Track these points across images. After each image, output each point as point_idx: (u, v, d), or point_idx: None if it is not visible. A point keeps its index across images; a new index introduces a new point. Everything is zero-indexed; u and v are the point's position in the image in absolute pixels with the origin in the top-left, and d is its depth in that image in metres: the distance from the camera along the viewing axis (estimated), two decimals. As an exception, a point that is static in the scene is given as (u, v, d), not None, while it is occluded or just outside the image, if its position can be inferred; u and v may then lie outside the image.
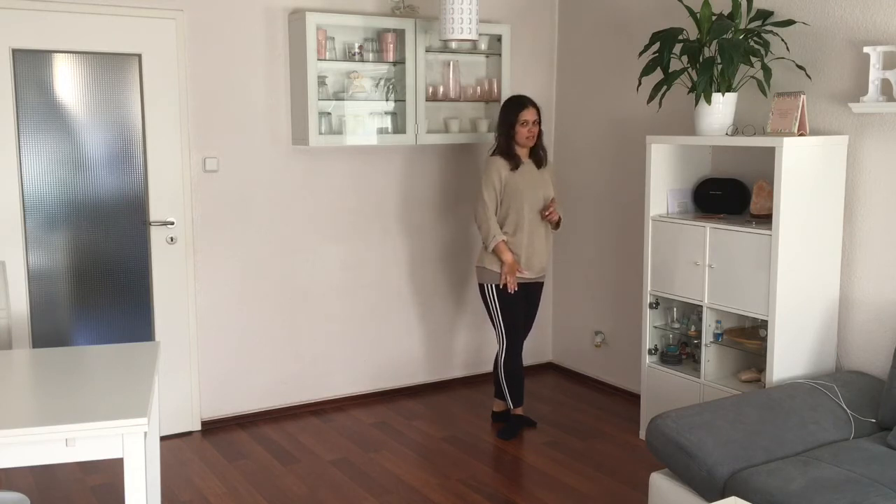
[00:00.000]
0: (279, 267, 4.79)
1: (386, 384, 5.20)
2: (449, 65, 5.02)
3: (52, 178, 4.20)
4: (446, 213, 5.25)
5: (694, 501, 3.03)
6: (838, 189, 3.74)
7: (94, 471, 4.08)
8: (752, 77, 3.99)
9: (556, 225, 4.52)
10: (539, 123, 4.39)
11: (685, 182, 4.33)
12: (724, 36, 3.84)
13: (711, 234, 3.90)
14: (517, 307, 4.44)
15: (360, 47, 4.71)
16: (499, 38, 5.07)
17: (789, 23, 3.90)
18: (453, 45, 4.93)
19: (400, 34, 4.75)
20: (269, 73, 4.63)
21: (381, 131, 4.87)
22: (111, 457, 2.45)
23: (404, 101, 4.78)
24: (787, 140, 3.53)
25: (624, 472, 4.05)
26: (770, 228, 3.63)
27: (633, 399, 4.93)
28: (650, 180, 4.20)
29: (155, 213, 4.42)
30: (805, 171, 3.61)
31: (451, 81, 5.01)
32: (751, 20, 4.01)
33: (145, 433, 2.46)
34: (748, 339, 3.99)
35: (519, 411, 4.61)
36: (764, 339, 3.75)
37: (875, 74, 3.51)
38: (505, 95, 4.96)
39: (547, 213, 4.38)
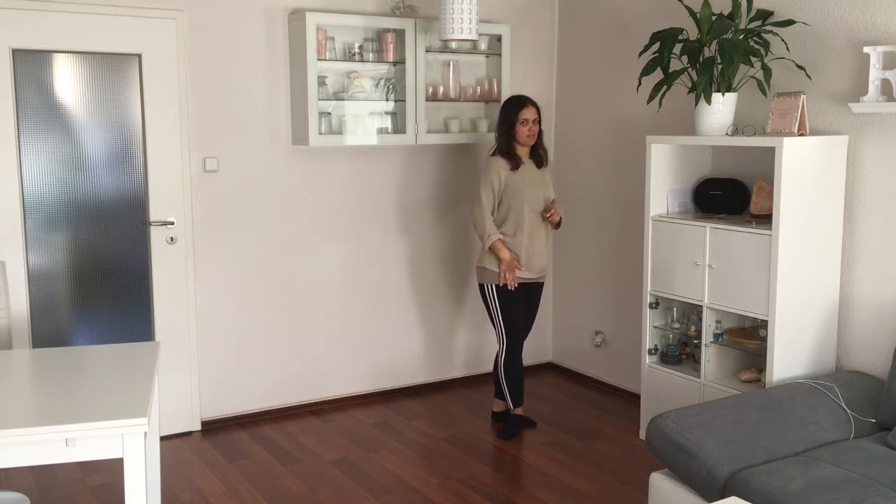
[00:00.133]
0: (279, 267, 4.79)
1: (386, 384, 5.20)
2: (449, 65, 5.02)
3: (52, 178, 4.20)
4: (446, 213, 5.25)
5: (694, 501, 3.03)
6: (838, 189, 3.74)
7: (94, 471, 4.08)
8: (752, 77, 3.99)
9: (557, 225, 4.53)
10: (539, 122, 4.39)
11: (685, 182, 4.33)
12: (724, 36, 3.84)
13: (711, 234, 3.90)
14: (517, 307, 4.44)
15: (360, 47, 4.71)
16: (499, 38, 5.07)
17: (789, 23, 3.90)
18: (453, 45, 4.93)
19: (400, 34, 4.75)
20: (269, 73, 4.63)
21: (381, 131, 4.87)
22: (111, 457, 2.45)
23: (404, 101, 4.78)
24: (787, 140, 3.53)
25: (624, 472, 4.05)
26: (770, 228, 3.63)
27: (633, 399, 4.93)
28: (650, 180, 4.20)
29: (155, 213, 4.42)
30: (805, 171, 3.61)
31: (451, 81, 5.01)
32: (751, 20, 4.01)
33: (145, 433, 2.46)
34: (748, 339, 3.99)
35: (519, 411, 4.61)
36: (764, 339, 3.75)
37: (875, 74, 3.51)
38: (505, 95, 4.96)
39: (548, 216, 4.38)
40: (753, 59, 3.91)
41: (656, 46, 4.06)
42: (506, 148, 4.38)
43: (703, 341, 4.03)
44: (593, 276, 5.35)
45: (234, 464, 4.18)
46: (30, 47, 4.07)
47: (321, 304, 4.93)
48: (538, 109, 4.40)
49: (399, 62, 4.79)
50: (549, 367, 5.74)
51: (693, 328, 4.24)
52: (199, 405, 4.64)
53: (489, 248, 4.34)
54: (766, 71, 3.82)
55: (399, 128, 4.85)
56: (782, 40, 3.94)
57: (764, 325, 3.74)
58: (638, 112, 4.89)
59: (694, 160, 4.35)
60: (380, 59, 4.79)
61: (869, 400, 3.40)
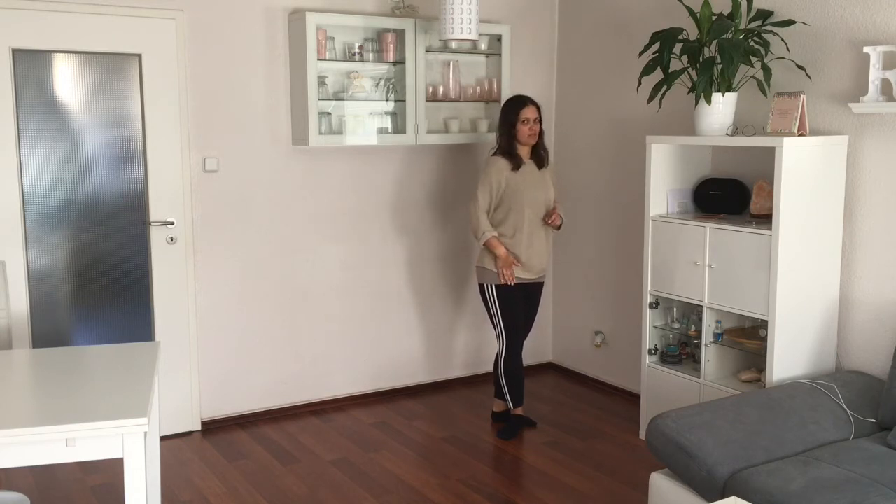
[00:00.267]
0: (279, 267, 4.79)
1: (386, 384, 5.20)
2: (449, 65, 5.02)
3: (52, 178, 4.20)
4: (446, 213, 5.24)
5: (694, 501, 3.03)
6: (838, 189, 3.74)
7: (94, 471, 4.08)
8: (752, 77, 3.99)
9: (559, 227, 4.53)
10: (540, 122, 4.39)
11: (685, 182, 4.33)
12: (724, 36, 3.84)
13: (711, 234, 3.90)
14: (517, 307, 4.44)
15: (360, 47, 4.71)
16: (499, 38, 5.07)
17: (789, 23, 3.90)
18: (453, 45, 4.93)
19: (400, 34, 4.75)
20: (269, 73, 4.63)
21: (381, 131, 4.87)
22: (111, 457, 2.45)
23: (404, 101, 4.78)
24: (787, 140, 3.53)
25: (624, 472, 4.05)
26: (770, 228, 3.63)
27: (633, 399, 4.93)
28: (650, 180, 4.20)
29: (155, 213, 4.42)
30: (805, 171, 3.61)
31: (451, 81, 5.01)
32: (751, 20, 4.01)
33: (145, 433, 2.46)
34: (748, 339, 3.99)
35: (519, 411, 4.61)
36: (764, 339, 3.75)
37: (875, 74, 3.51)
38: (505, 95, 4.96)
39: (549, 221, 4.40)
40: (753, 59, 3.91)
41: (656, 46, 4.06)
42: (507, 148, 4.37)
43: (703, 341, 4.03)
44: (593, 276, 5.35)
45: (234, 464, 4.18)
46: (30, 47, 4.07)
47: (321, 304, 4.93)
48: (539, 109, 4.39)
49: (399, 62, 4.79)
50: (549, 367, 5.74)
51: (693, 328, 4.24)
52: (199, 405, 4.64)
53: (484, 244, 4.34)
54: (766, 71, 3.82)
55: (399, 128, 4.85)
56: (782, 40, 3.94)
57: (764, 325, 3.74)
58: (638, 112, 4.89)
59: (694, 160, 4.35)
60: (380, 59, 4.79)
61: (869, 400, 3.40)
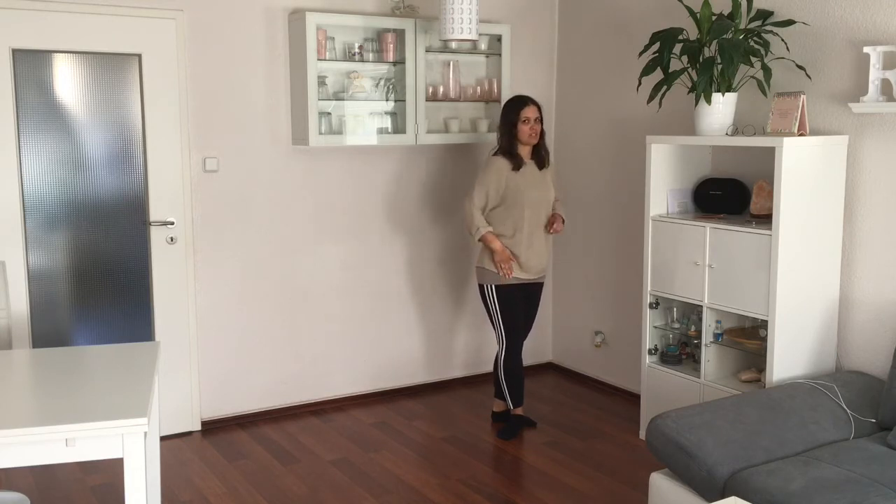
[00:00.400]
0: (279, 267, 4.79)
1: (386, 384, 5.20)
2: (449, 65, 5.02)
3: (52, 178, 4.20)
4: (446, 214, 5.24)
5: (694, 501, 3.03)
6: (838, 189, 3.74)
7: (94, 471, 4.08)
8: (752, 77, 3.99)
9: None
10: (541, 122, 4.39)
11: (685, 182, 4.33)
12: (724, 36, 3.84)
13: (711, 234, 3.90)
14: (517, 308, 4.44)
15: (360, 47, 4.71)
16: (499, 38, 5.07)
17: (789, 23, 3.90)
18: (453, 45, 4.93)
19: (400, 34, 4.75)
20: (269, 73, 4.63)
21: (381, 131, 4.87)
22: (111, 457, 2.45)
23: (404, 101, 4.78)
24: (787, 140, 3.53)
25: (624, 472, 4.05)
26: (770, 228, 3.63)
27: (633, 399, 4.93)
28: (650, 180, 4.20)
29: (155, 213, 4.42)
30: (805, 171, 3.61)
31: (451, 81, 5.01)
32: (751, 20, 4.01)
33: (145, 433, 2.46)
34: (748, 339, 3.99)
35: (519, 411, 4.61)
36: (764, 339, 3.75)
37: (875, 74, 3.51)
38: (505, 95, 4.96)
39: (551, 230, 4.44)
40: (753, 59, 3.91)
41: (656, 46, 4.06)
42: (508, 148, 4.37)
43: (703, 341, 4.03)
44: (593, 276, 5.35)
45: (234, 464, 4.18)
46: (30, 47, 4.07)
47: (321, 304, 4.93)
48: (540, 109, 4.39)
49: (399, 62, 4.79)
50: (549, 367, 5.74)
51: (693, 328, 4.24)
52: (199, 405, 4.64)
53: (479, 240, 4.34)
54: (766, 71, 3.82)
55: (399, 128, 4.85)
56: (782, 40, 3.94)
57: (764, 325, 3.74)
58: (638, 112, 4.89)
59: (694, 160, 4.35)
60: (380, 59, 4.79)
61: (869, 400, 3.40)
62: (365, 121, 4.78)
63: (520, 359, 4.53)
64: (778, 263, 3.60)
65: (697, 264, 3.98)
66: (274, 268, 4.77)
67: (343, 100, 4.73)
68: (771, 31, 3.95)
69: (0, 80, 4.01)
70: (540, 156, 4.43)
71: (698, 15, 3.93)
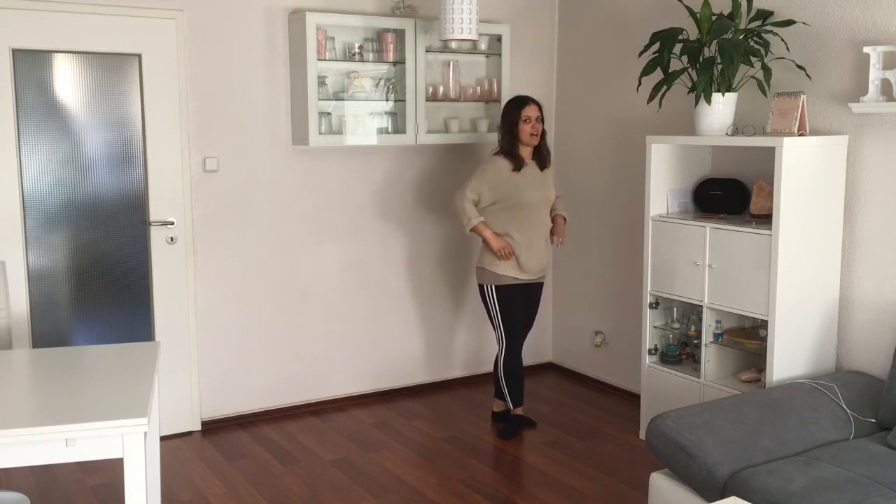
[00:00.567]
0: (279, 267, 4.79)
1: (386, 384, 5.20)
2: (449, 65, 5.02)
3: (52, 178, 4.20)
4: (446, 214, 5.24)
5: (694, 501, 3.03)
6: (838, 189, 3.74)
7: (94, 471, 4.08)
8: (752, 77, 3.99)
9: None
10: (542, 122, 4.39)
11: (685, 182, 4.33)
12: (724, 36, 3.84)
13: (711, 234, 3.90)
14: (517, 308, 4.44)
15: (360, 47, 4.71)
16: (499, 38, 5.07)
17: (789, 23, 3.90)
18: (453, 45, 4.93)
19: (400, 34, 4.75)
20: (269, 73, 4.63)
21: (381, 131, 4.87)
22: (111, 457, 2.45)
23: (404, 101, 4.78)
24: (787, 140, 3.53)
25: (624, 472, 4.05)
26: (770, 228, 3.63)
27: (633, 399, 4.93)
28: (650, 180, 4.20)
29: (155, 213, 4.42)
30: (805, 171, 3.61)
31: (451, 81, 5.01)
32: (751, 20, 4.01)
33: (145, 433, 2.46)
34: (748, 339, 3.99)
35: (519, 411, 4.61)
36: (764, 339, 3.75)
37: (875, 74, 3.51)
38: (505, 95, 4.96)
39: (555, 243, 4.52)
40: (753, 59, 3.91)
41: (656, 46, 4.06)
42: (509, 148, 4.36)
43: (703, 341, 4.03)
44: (593, 276, 5.35)
45: (234, 464, 4.18)
46: (30, 47, 4.07)
47: (321, 304, 4.93)
48: (541, 108, 4.39)
49: (399, 62, 4.79)
50: (549, 367, 5.74)
51: (693, 328, 4.24)
52: (199, 405, 4.64)
53: (470, 230, 4.34)
54: (766, 71, 3.82)
55: (399, 128, 4.85)
56: (782, 40, 3.94)
57: (764, 325, 3.74)
58: (638, 112, 4.89)
59: (694, 160, 4.35)
60: (380, 59, 4.79)
61: (869, 400, 3.40)
62: (365, 121, 4.78)
63: (520, 359, 4.52)
64: (778, 263, 3.60)
65: (697, 264, 3.98)
66: (274, 268, 4.77)
67: (343, 100, 4.73)
68: (771, 31, 3.95)
69: (0, 80, 4.01)
70: (541, 156, 4.43)
71: (698, 15, 3.93)
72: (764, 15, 4.00)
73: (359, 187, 4.95)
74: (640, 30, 4.79)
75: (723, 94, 3.91)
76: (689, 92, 4.04)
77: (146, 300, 4.46)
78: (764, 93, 3.89)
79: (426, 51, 4.84)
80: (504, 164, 4.34)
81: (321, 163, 4.83)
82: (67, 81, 4.18)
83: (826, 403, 3.31)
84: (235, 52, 4.53)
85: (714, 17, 3.96)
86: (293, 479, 4.01)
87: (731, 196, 4.15)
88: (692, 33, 4.12)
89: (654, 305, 4.31)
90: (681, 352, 4.35)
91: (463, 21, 4.40)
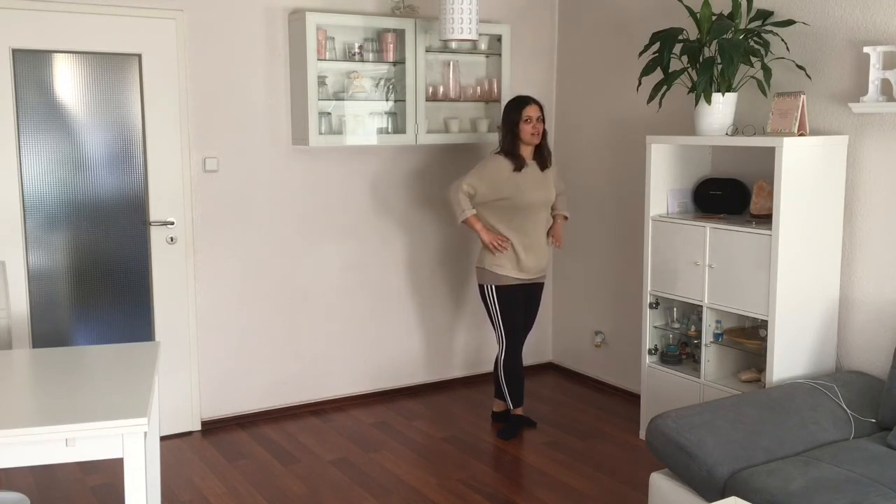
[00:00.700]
0: (279, 267, 4.79)
1: (386, 384, 5.20)
2: (449, 65, 5.02)
3: (52, 178, 4.20)
4: (446, 213, 5.24)
5: (694, 501, 3.03)
6: (838, 189, 3.74)
7: (94, 471, 4.08)
8: (752, 77, 3.99)
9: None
10: (543, 121, 4.38)
11: (685, 182, 4.33)
12: (724, 36, 3.84)
13: (711, 234, 3.90)
14: (517, 308, 4.44)
15: (360, 47, 4.71)
16: (499, 38, 5.07)
17: (789, 23, 3.90)
18: (453, 45, 4.93)
19: (400, 34, 4.75)
20: (269, 73, 4.63)
21: (381, 131, 4.87)
22: (111, 457, 2.45)
23: (404, 101, 4.78)
24: (787, 140, 3.53)
25: (624, 472, 4.05)
26: (770, 228, 3.63)
27: (633, 399, 4.93)
28: (650, 180, 4.20)
29: (155, 213, 4.42)
30: (805, 171, 3.61)
31: (451, 81, 5.01)
32: (751, 20, 4.01)
33: (145, 433, 2.46)
34: (748, 339, 3.99)
35: (519, 411, 4.61)
36: (764, 339, 3.75)
37: (875, 74, 3.51)
38: (505, 95, 4.96)
39: (553, 243, 4.53)
40: (753, 59, 3.91)
41: (656, 46, 4.06)
42: (510, 148, 4.36)
43: (703, 341, 4.03)
44: (593, 276, 5.35)
45: (234, 464, 4.18)
46: (30, 47, 4.07)
47: (321, 304, 4.93)
48: (542, 108, 4.39)
49: (399, 62, 4.79)
50: (549, 367, 5.74)
51: (693, 328, 4.24)
52: (199, 405, 4.64)
53: (462, 222, 4.34)
54: (766, 71, 3.82)
55: (399, 128, 4.85)
56: (782, 40, 3.94)
57: (764, 325, 3.74)
58: (638, 112, 4.89)
59: (694, 160, 4.35)
60: (380, 59, 4.79)
61: (869, 400, 3.40)
62: (365, 121, 4.78)
63: (520, 359, 4.52)
64: (778, 263, 3.60)
65: (697, 264, 3.98)
66: (274, 268, 4.77)
67: (343, 100, 4.73)
68: (771, 31, 3.95)
69: (0, 80, 4.01)
70: (542, 156, 4.43)
71: (698, 15, 3.93)
72: (764, 15, 4.00)
73: (359, 187, 4.95)
74: (640, 30, 4.79)
75: (723, 94, 3.91)
76: (689, 92, 4.04)
77: (146, 300, 4.46)
78: (764, 93, 3.89)
79: (426, 51, 4.84)
80: (505, 164, 4.33)
81: (321, 163, 4.83)
82: (67, 81, 4.18)
83: (826, 403, 3.31)
84: (235, 52, 4.53)
85: (714, 17, 3.96)
86: (293, 479, 4.01)
87: (731, 196, 4.15)
88: (692, 33, 4.12)
89: (654, 305, 4.31)
90: (681, 352, 4.35)
91: (463, 21, 4.40)
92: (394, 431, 4.61)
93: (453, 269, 5.34)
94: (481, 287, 4.47)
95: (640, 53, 4.23)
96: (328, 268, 4.93)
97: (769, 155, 3.75)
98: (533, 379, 5.42)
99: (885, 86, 3.55)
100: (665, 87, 4.01)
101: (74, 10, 4.12)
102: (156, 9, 4.30)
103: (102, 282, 4.37)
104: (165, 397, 4.50)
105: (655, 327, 4.34)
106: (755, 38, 3.94)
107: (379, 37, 4.77)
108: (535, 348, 5.61)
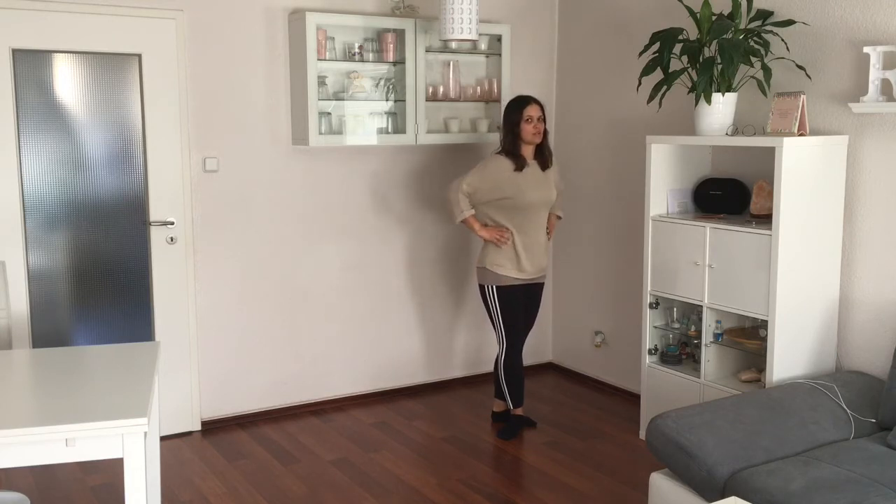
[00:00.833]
0: (279, 267, 4.79)
1: (386, 384, 5.20)
2: (449, 65, 5.02)
3: (52, 178, 4.20)
4: (446, 213, 5.24)
5: (694, 501, 3.03)
6: (838, 189, 3.74)
7: (94, 471, 4.08)
8: (752, 77, 3.99)
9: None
10: (544, 121, 4.38)
11: (685, 182, 4.33)
12: (724, 36, 3.84)
13: (711, 234, 3.90)
14: (517, 308, 4.44)
15: (360, 47, 4.71)
16: (499, 38, 5.07)
17: (789, 23, 3.90)
18: (453, 45, 4.93)
19: (400, 34, 4.75)
20: (269, 73, 4.63)
21: (381, 131, 4.87)
22: (111, 457, 2.45)
23: (404, 101, 4.78)
24: (787, 140, 3.53)
25: (624, 472, 4.05)
26: (770, 228, 3.63)
27: (633, 399, 4.93)
28: (650, 180, 4.20)
29: (155, 213, 4.42)
30: (805, 171, 3.61)
31: (451, 81, 5.01)
32: (751, 20, 4.01)
33: (145, 433, 2.46)
34: (748, 339, 3.99)
35: (519, 411, 4.61)
36: (764, 339, 3.75)
37: (875, 74, 3.51)
38: (505, 95, 4.97)
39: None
40: (753, 59, 3.91)
41: (656, 46, 4.06)
42: (511, 148, 4.35)
43: (703, 341, 4.03)
44: (593, 276, 5.35)
45: (234, 464, 4.18)
46: (30, 47, 4.07)
47: (321, 304, 4.93)
48: (543, 108, 4.39)
49: (399, 62, 4.79)
50: (549, 367, 5.74)
51: (693, 328, 4.24)
52: (199, 405, 4.64)
53: (460, 222, 4.36)
54: (766, 71, 3.82)
55: (399, 128, 4.85)
56: (782, 40, 3.94)
57: (764, 325, 3.74)
58: (638, 112, 4.89)
59: (694, 160, 4.35)
60: (380, 59, 4.79)
61: (869, 400, 3.40)
62: (365, 121, 4.78)
63: (520, 359, 4.52)
64: (778, 263, 3.60)
65: (697, 264, 3.98)
66: (274, 268, 4.77)
67: (343, 100, 4.73)
68: (771, 31, 3.95)
69: (0, 80, 4.01)
70: (543, 156, 4.43)
71: (698, 15, 3.93)
72: (764, 15, 4.00)
73: (359, 187, 4.95)
74: (640, 30, 4.79)
75: (723, 94, 3.91)
76: (689, 92, 4.04)
77: (146, 300, 4.46)
78: (764, 93, 3.89)
79: (426, 51, 4.84)
80: (505, 164, 4.33)
81: (321, 163, 4.83)
82: (67, 81, 4.18)
83: (826, 403, 3.31)
84: (235, 52, 4.53)
85: (714, 17, 3.96)
86: (293, 479, 4.01)
87: (731, 196, 4.15)
88: (692, 33, 4.12)
89: (654, 305, 4.31)
90: (681, 352, 4.35)
91: (463, 21, 4.40)
92: (394, 431, 4.61)
93: (453, 269, 5.34)
94: (482, 287, 4.47)
95: (640, 53, 4.23)
96: (328, 268, 4.93)
97: (769, 155, 3.75)
98: (533, 379, 5.42)
99: (885, 86, 3.55)
100: (665, 87, 4.01)
101: (74, 10, 4.12)
102: (156, 9, 4.30)
103: (102, 282, 4.37)
104: (165, 397, 4.50)
105: (655, 327, 4.34)
106: (755, 38, 3.94)
107: (379, 37, 4.77)
108: (536, 348, 5.61)
